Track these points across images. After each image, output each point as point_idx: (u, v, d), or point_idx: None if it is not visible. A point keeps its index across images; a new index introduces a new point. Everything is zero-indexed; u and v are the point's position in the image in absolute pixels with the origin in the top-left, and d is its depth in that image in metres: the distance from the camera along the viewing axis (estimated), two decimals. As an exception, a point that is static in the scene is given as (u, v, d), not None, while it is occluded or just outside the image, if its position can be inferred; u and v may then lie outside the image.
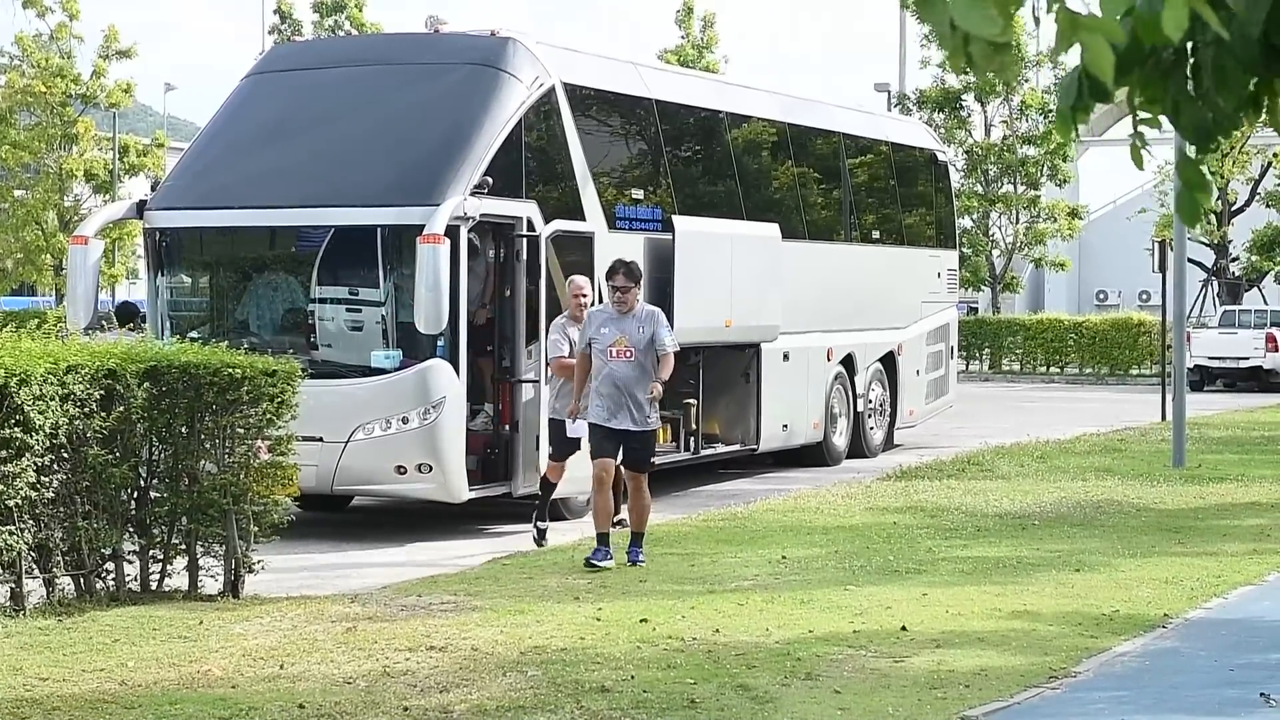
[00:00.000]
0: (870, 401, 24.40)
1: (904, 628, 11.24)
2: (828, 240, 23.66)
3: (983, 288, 55.57)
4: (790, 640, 10.84)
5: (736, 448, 21.27)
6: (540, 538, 15.59)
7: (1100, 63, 4.11)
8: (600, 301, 15.96)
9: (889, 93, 57.64)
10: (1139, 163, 4.65)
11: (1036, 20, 4.45)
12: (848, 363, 23.58)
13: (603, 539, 13.88)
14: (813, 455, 22.93)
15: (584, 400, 14.15)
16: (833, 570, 13.78)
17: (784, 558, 14.40)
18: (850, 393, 23.74)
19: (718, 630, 11.14)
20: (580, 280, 16.04)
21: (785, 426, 21.85)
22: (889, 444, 25.20)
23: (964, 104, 52.56)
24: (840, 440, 23.61)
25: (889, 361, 24.87)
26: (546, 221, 17.35)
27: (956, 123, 52.53)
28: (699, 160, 21.62)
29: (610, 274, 14.10)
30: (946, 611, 11.89)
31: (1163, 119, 4.65)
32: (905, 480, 20.16)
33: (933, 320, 26.32)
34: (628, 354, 13.77)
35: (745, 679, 9.73)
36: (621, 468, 14.21)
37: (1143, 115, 4.63)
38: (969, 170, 52.65)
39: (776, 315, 20.89)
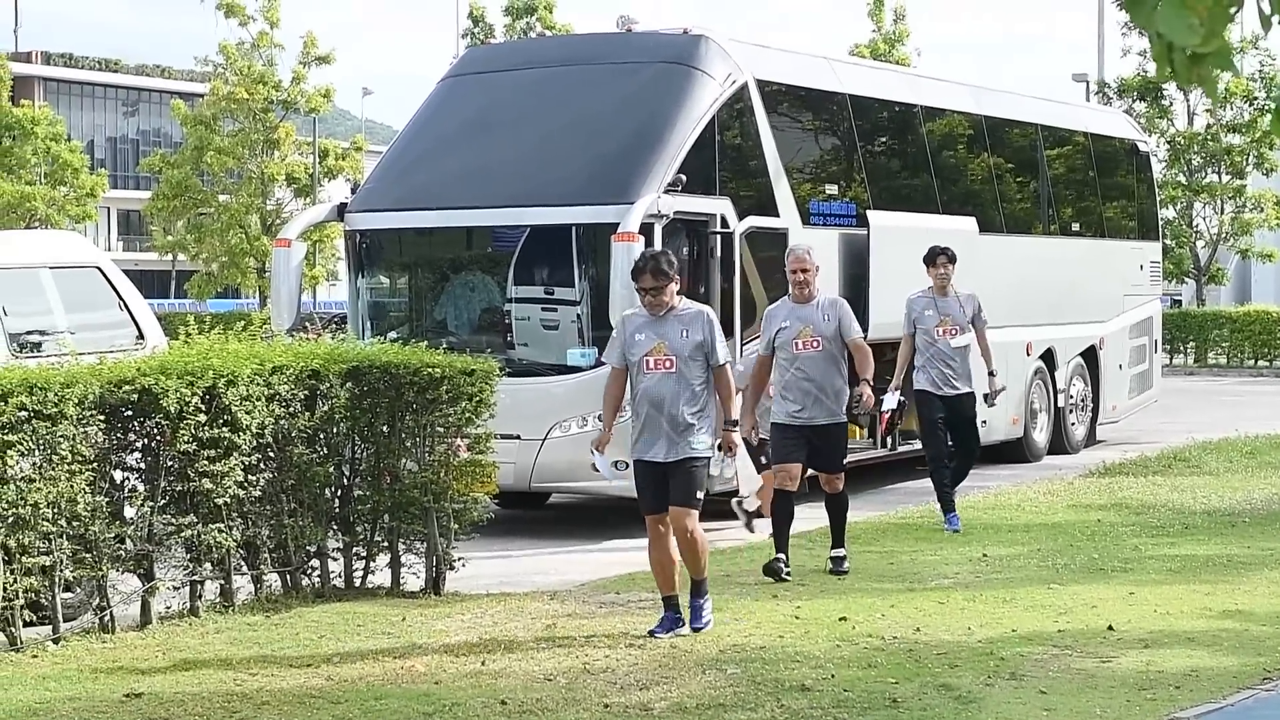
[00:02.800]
0: (1071, 396, 24.05)
1: (1110, 627, 11.04)
2: (1026, 233, 23.36)
3: (1186, 280, 54.61)
4: (993, 639, 10.70)
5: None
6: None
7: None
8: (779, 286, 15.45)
9: (1087, 82, 56.84)
10: None
11: (1266, 24, 4.23)
12: (1048, 357, 23.26)
13: (670, 603, 11.15)
14: (1012, 451, 22.64)
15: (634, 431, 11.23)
16: (1035, 568, 13.60)
17: (985, 555, 14.24)
18: (1050, 388, 23.42)
19: (919, 629, 11.04)
20: (800, 251, 13.73)
21: (984, 422, 21.54)
22: (1091, 440, 24.82)
23: (1165, 93, 51.64)
24: (1040, 436, 23.30)
25: (1090, 356, 24.49)
26: (740, 218, 17.33)
27: (1158, 112, 51.65)
28: (893, 154, 21.48)
29: (636, 274, 11.09)
30: (1154, 611, 11.67)
31: None
32: (1109, 477, 19.83)
33: (1135, 313, 25.86)
34: (667, 364, 10.95)
35: (948, 678, 9.62)
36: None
37: None
38: (1171, 160, 51.73)
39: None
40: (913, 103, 21.44)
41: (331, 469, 12.53)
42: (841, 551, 13.61)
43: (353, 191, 18.68)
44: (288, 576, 12.40)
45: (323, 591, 12.43)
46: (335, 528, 12.68)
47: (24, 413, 10.51)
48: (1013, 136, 23.57)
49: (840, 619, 11.36)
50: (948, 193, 21.47)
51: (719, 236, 17.02)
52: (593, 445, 11.35)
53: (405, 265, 18.70)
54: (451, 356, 13.18)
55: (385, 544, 12.89)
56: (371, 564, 12.89)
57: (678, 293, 11.14)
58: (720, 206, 17.14)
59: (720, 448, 11.26)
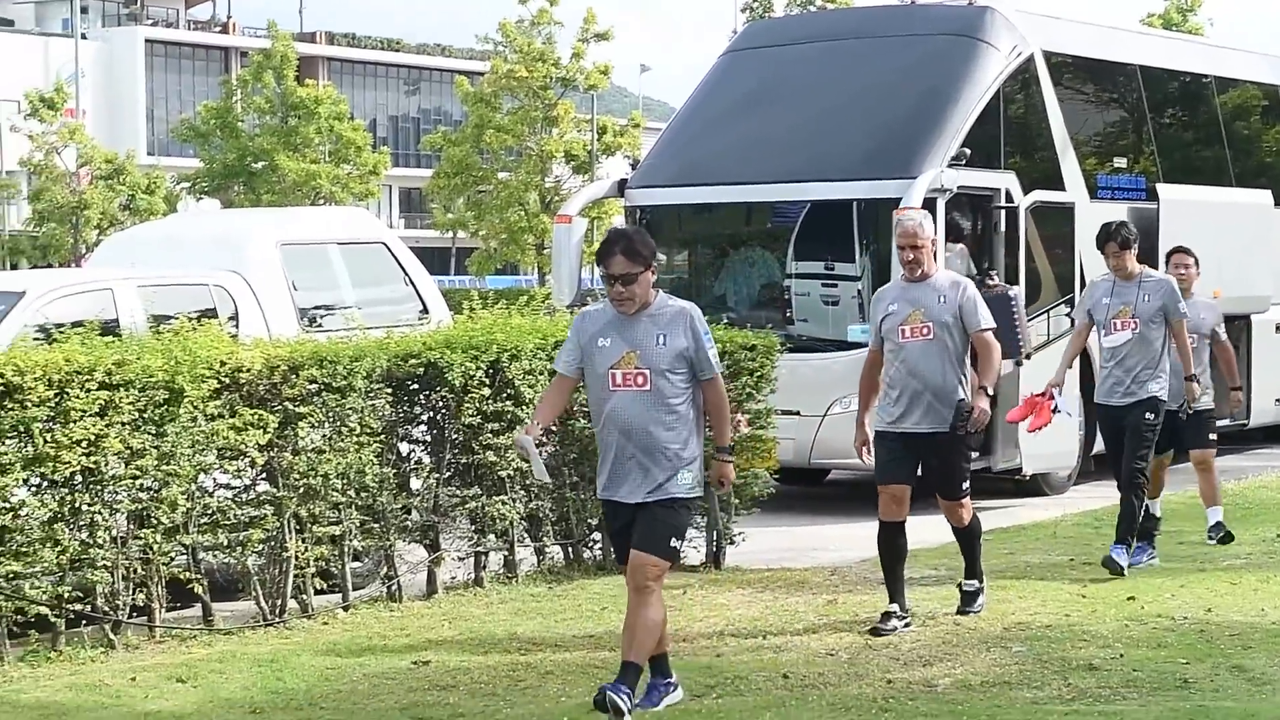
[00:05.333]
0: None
1: None
2: (1324, 206, 22.63)
3: None
4: (1288, 621, 10.40)
5: (1225, 422, 20.47)
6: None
7: None
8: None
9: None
10: None
11: None
12: (1344, 333, 22.49)
13: (657, 664, 8.68)
14: (1294, 432, 21.98)
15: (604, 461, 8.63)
16: (1332, 550, 13.19)
17: (1278, 536, 13.84)
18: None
19: (1210, 609, 10.77)
20: (909, 222, 10.60)
21: (1278, 401, 21.00)
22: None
23: None
24: (1333, 415, 22.55)
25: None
26: (1025, 192, 17.07)
27: None
28: (1184, 126, 21.00)
29: (601, 256, 8.41)
30: None
31: None
32: (1407, 457, 19.17)
33: None
34: (639, 379, 8.34)
35: (1240, 660, 9.36)
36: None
37: None
38: None
39: (1268, 285, 20.10)
40: (1205, 73, 20.95)
41: (613, 442, 12.57)
42: (975, 584, 10.94)
43: (632, 168, 18.77)
44: (569, 549, 12.50)
45: (604, 564, 12.50)
46: (616, 501, 12.72)
47: (314, 385, 10.75)
48: (1311, 107, 22.88)
49: (1128, 598, 11.13)
50: (1241, 165, 20.92)
51: (1003, 211, 16.77)
52: (519, 435, 8.93)
53: (685, 240, 18.75)
54: (732, 331, 13.20)
55: (666, 518, 12.90)
56: (652, 537, 12.92)
57: (654, 284, 8.52)
58: (1005, 181, 16.90)
59: (714, 482, 8.71)
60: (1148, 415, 12.34)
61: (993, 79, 17.05)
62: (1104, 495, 16.31)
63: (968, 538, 10.86)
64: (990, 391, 10.57)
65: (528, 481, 11.93)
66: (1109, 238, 12.54)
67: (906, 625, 10.35)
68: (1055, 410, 12.61)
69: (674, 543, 8.42)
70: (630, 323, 8.35)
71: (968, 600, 10.84)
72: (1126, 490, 12.40)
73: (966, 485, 10.65)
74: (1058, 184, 17.79)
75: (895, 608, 10.41)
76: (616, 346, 8.33)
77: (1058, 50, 18.26)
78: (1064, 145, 17.97)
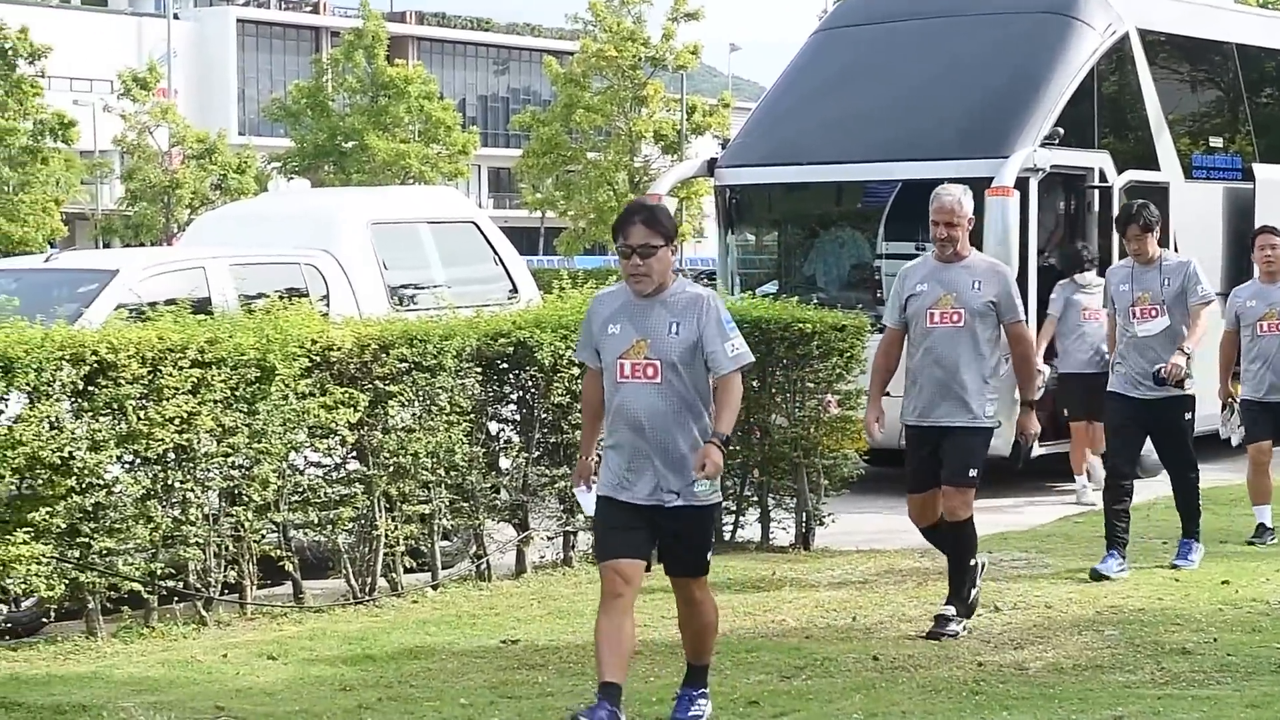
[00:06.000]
0: None
1: None
2: None
3: None
4: (1387, 607, 10.26)
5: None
6: None
7: None
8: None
9: None
10: None
11: None
12: None
13: (609, 692, 7.60)
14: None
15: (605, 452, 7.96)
16: None
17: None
18: None
19: (1306, 594, 10.67)
20: (947, 198, 9.87)
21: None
22: None
23: None
24: None
25: None
26: (1119, 172, 16.93)
27: None
28: (1282, 105, 20.75)
29: (619, 226, 7.68)
30: None
31: None
32: None
33: None
34: (649, 371, 7.61)
35: (1338, 646, 9.26)
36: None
37: None
38: None
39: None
40: (1303, 51, 20.71)
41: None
42: (950, 610, 9.84)
43: (722, 147, 18.72)
44: (654, 529, 12.46)
45: (692, 544, 12.47)
46: (704, 481, 12.69)
47: (404, 364, 10.78)
48: None
49: (1222, 582, 11.02)
50: (1339, 145, 20.66)
51: (1097, 191, 16.66)
52: (576, 480, 8.28)
53: (775, 220, 18.69)
54: (822, 312, 13.14)
55: (755, 499, 12.91)
56: (741, 519, 12.92)
57: (675, 268, 7.89)
58: (1099, 160, 16.78)
59: (695, 464, 7.55)
60: (1186, 415, 11.68)
61: (1087, 57, 16.92)
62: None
63: (960, 543, 10.05)
64: (1034, 402, 10.07)
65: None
66: (1130, 219, 11.65)
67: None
68: None
69: (708, 555, 7.89)
70: (643, 308, 7.63)
71: (940, 625, 9.71)
72: (1184, 499, 11.97)
73: (975, 474, 9.89)
74: (1152, 164, 17.65)
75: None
76: (626, 334, 7.63)
77: (1153, 28, 18.10)
78: (1159, 125, 17.83)
